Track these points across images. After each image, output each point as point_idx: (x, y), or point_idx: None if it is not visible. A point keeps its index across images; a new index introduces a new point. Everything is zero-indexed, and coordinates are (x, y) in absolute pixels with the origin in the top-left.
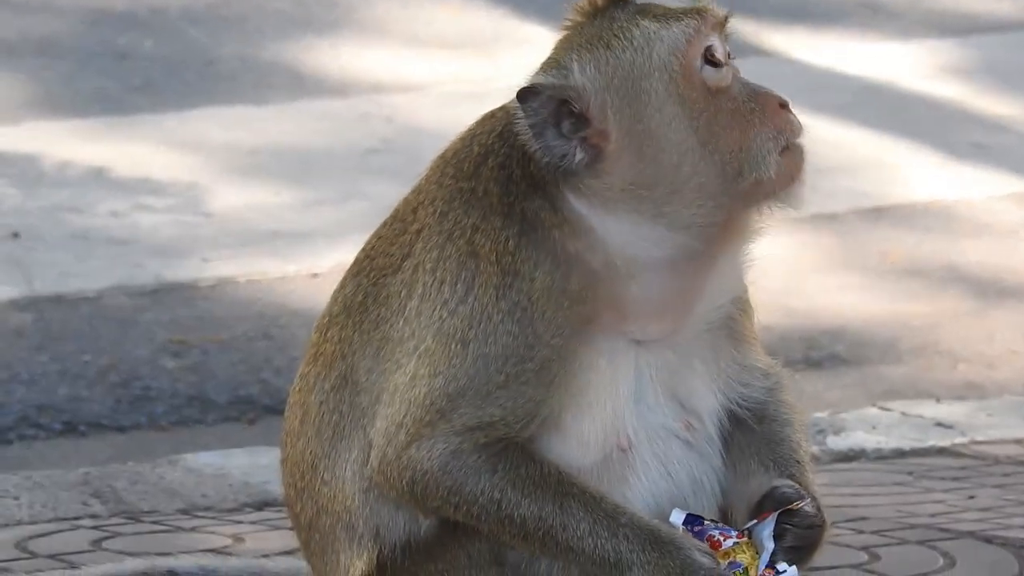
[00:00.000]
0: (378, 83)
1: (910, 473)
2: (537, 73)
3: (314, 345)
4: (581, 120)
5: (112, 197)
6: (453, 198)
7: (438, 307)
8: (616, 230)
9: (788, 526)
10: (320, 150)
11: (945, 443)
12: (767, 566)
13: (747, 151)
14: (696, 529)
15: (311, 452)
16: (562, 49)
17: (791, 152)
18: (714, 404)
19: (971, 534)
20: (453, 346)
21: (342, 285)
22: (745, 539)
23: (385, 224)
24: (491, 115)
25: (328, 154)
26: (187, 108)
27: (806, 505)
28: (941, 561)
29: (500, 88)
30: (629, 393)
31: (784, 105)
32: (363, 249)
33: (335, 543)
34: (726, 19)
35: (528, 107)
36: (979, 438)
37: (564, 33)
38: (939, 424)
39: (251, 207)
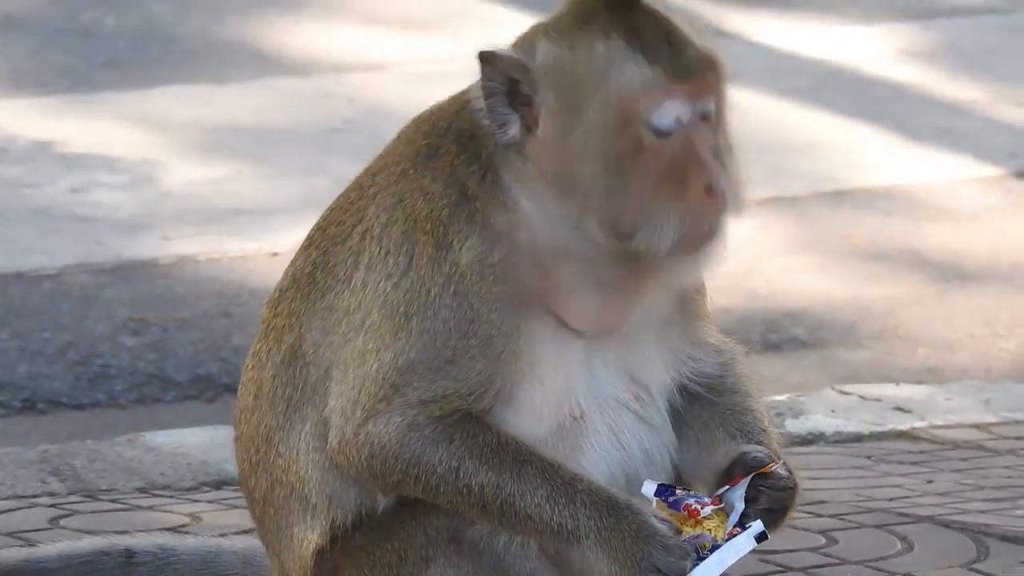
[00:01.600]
0: (340, 62)
1: (869, 457)
2: (511, 44)
3: (265, 321)
4: (528, 101)
5: (73, 174)
6: (418, 154)
7: (382, 280)
8: (540, 213)
9: (762, 488)
10: (282, 129)
11: (904, 427)
12: (735, 525)
13: (647, 217)
14: (671, 500)
15: (265, 425)
16: (541, 28)
17: (703, 232)
18: (664, 378)
19: (929, 518)
20: (397, 319)
21: (293, 260)
22: (721, 505)
23: (342, 195)
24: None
25: (290, 133)
26: (150, 85)
27: (778, 468)
28: (899, 545)
29: (464, 69)
30: (580, 364)
31: (711, 191)
32: (316, 223)
33: (289, 516)
34: (705, 87)
35: (487, 69)
36: (938, 422)
37: (558, 9)
38: (898, 408)
39: (212, 185)
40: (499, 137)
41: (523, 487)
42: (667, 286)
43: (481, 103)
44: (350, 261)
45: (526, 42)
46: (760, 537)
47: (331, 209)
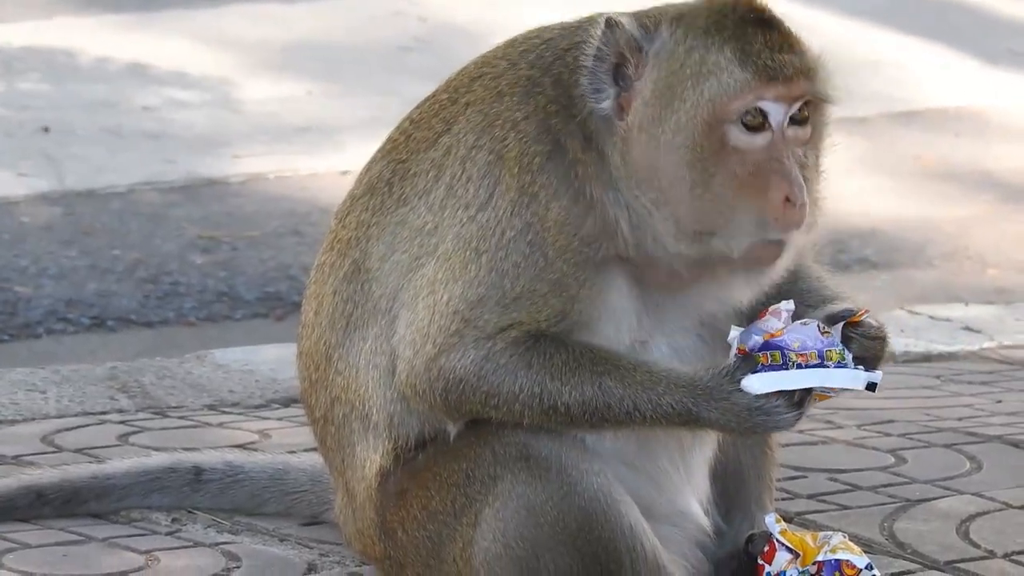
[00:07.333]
0: None
1: (938, 377)
2: (639, 15)
3: (331, 232)
4: (629, 84)
5: (144, 92)
6: (517, 80)
7: (461, 208)
8: (624, 198)
9: (853, 336)
10: (353, 48)
11: (973, 347)
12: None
13: (725, 221)
14: (755, 345)
15: (325, 342)
16: (673, 13)
17: (773, 243)
18: (740, 301)
19: (998, 438)
20: (468, 253)
21: (368, 168)
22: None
23: (431, 97)
24: (600, 20)
25: (361, 52)
26: (221, 4)
27: (868, 318)
28: (968, 465)
29: None
30: (652, 305)
31: (791, 204)
32: (398, 128)
33: (351, 435)
34: (797, 90)
35: (606, 34)
36: (1007, 342)
37: None
38: (967, 328)
39: (282, 104)
40: (591, 103)
41: (607, 399)
42: (730, 286)
43: (588, 62)
44: (431, 174)
45: (653, 20)
46: (870, 386)
47: (419, 110)
